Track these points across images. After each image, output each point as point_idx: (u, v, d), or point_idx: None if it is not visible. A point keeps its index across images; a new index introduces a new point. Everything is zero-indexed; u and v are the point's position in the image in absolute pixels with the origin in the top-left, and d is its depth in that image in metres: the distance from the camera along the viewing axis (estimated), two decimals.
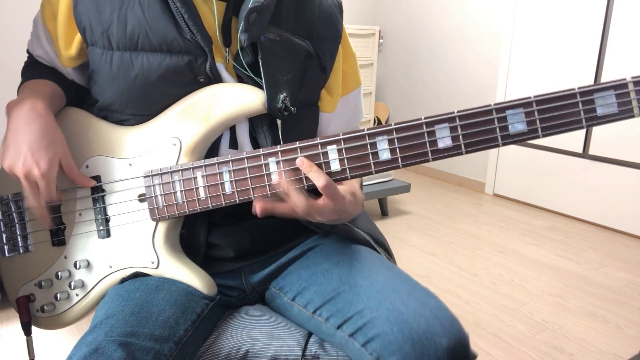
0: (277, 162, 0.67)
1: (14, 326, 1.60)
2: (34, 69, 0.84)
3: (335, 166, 0.65)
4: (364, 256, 0.77)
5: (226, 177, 0.69)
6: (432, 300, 0.66)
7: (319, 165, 0.66)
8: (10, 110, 0.73)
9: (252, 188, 0.68)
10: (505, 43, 3.05)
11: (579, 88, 0.59)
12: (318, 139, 0.65)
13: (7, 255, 0.79)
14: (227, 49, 0.74)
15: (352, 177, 0.65)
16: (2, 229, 0.79)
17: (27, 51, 0.86)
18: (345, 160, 0.65)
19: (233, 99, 0.71)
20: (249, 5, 0.69)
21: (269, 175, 0.67)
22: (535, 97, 0.60)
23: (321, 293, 0.73)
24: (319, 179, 0.63)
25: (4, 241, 0.79)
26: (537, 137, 0.60)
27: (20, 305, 0.78)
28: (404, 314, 0.63)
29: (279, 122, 0.75)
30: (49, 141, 0.70)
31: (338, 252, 0.79)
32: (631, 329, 1.73)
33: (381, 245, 0.84)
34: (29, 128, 0.70)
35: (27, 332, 0.79)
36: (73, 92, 0.84)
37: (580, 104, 0.59)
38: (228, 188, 0.69)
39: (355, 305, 0.68)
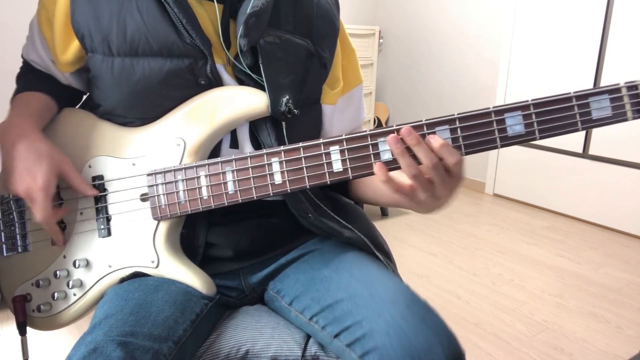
0: (280, 162, 0.67)
1: (13, 326, 1.60)
2: (27, 78, 0.84)
3: (337, 166, 0.65)
4: (364, 264, 0.76)
5: (229, 176, 0.69)
6: (431, 315, 0.66)
7: (321, 166, 0.66)
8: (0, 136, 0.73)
9: (254, 187, 0.68)
10: (505, 43, 3.05)
11: (574, 92, 0.60)
12: (321, 139, 0.66)
13: (5, 254, 0.79)
14: (227, 52, 0.74)
15: (354, 178, 0.65)
16: (2, 228, 0.79)
17: (22, 56, 0.86)
18: (348, 160, 0.65)
19: (237, 102, 0.72)
20: (248, 10, 0.69)
21: (271, 175, 0.68)
22: (532, 100, 0.61)
23: (318, 300, 0.73)
24: (453, 155, 0.61)
25: (3, 240, 0.79)
26: (535, 139, 0.61)
27: (16, 304, 0.78)
28: (404, 328, 0.63)
29: (283, 123, 0.75)
30: (42, 155, 0.70)
31: (337, 258, 0.78)
32: (631, 329, 1.73)
33: (381, 249, 0.84)
34: (18, 153, 0.70)
35: (22, 332, 0.79)
36: (68, 96, 0.84)
37: (576, 108, 0.60)
38: (231, 187, 0.69)
39: (353, 315, 0.67)
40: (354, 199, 0.89)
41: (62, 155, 0.73)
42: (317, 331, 0.71)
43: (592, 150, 2.72)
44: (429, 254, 2.32)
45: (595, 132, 2.70)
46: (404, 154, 0.61)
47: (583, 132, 2.74)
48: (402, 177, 0.64)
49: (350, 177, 0.65)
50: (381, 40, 3.77)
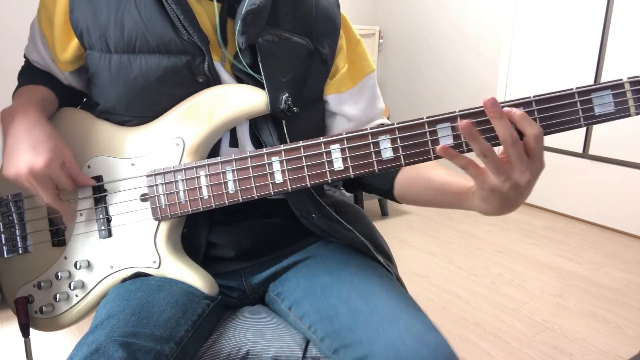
0: (281, 161, 0.67)
1: (14, 327, 1.60)
2: (29, 74, 0.84)
3: (338, 165, 0.65)
4: (365, 274, 0.75)
5: (229, 176, 0.69)
6: (431, 334, 0.64)
7: (322, 165, 0.66)
8: (3, 119, 0.73)
9: (255, 187, 0.68)
10: (505, 43, 3.05)
11: (577, 88, 0.60)
12: (321, 138, 0.65)
13: (6, 256, 0.78)
14: (224, 50, 0.74)
15: (355, 176, 0.65)
16: (1, 230, 0.78)
17: (24, 56, 0.86)
18: (348, 159, 0.65)
19: (236, 100, 0.72)
20: (245, 8, 0.69)
21: (272, 174, 0.67)
22: (534, 96, 0.60)
23: (318, 307, 0.72)
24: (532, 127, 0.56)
25: (3, 242, 0.78)
26: None
27: (18, 306, 0.77)
28: (403, 353, 0.62)
29: (283, 121, 0.74)
30: (46, 136, 0.70)
31: (339, 265, 0.77)
32: (631, 329, 1.73)
33: (381, 251, 0.83)
34: (22, 131, 0.70)
35: (25, 333, 0.79)
36: (69, 96, 0.83)
37: (578, 104, 0.60)
38: (231, 187, 0.69)
39: (353, 332, 0.66)
40: (400, 202, 0.82)
41: (65, 144, 0.72)
42: (315, 341, 0.71)
43: (592, 150, 2.72)
44: (429, 254, 2.32)
45: (595, 132, 2.70)
46: (476, 136, 0.57)
47: (583, 133, 2.74)
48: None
49: (352, 176, 0.65)
50: (381, 40, 3.77)
